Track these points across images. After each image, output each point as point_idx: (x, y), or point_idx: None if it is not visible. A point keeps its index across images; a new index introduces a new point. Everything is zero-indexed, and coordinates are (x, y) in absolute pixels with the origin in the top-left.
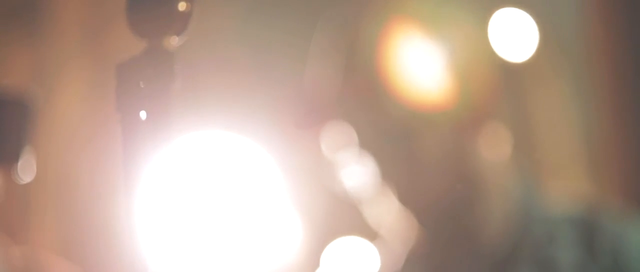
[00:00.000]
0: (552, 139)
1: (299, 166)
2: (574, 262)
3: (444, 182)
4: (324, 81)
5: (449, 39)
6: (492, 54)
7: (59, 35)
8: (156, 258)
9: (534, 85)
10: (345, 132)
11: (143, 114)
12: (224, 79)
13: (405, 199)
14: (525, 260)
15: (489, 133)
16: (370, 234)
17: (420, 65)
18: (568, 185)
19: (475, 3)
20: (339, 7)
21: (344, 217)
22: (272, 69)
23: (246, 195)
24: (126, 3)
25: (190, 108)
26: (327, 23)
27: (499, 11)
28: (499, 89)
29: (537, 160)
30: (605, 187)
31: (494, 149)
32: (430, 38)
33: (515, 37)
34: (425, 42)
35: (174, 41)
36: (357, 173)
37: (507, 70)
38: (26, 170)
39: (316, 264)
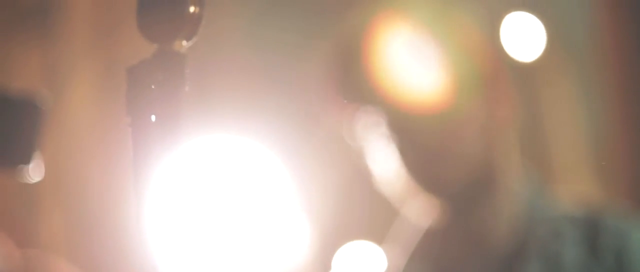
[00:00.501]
0: (560, 140)
1: (309, 168)
2: (578, 261)
3: (461, 173)
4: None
5: (451, 40)
6: (502, 54)
7: (68, 38)
8: (166, 260)
9: (542, 87)
10: (371, 115)
11: (153, 118)
12: (232, 82)
13: (425, 185)
14: (532, 257)
15: (499, 133)
16: (379, 238)
17: (423, 65)
18: (575, 186)
19: (483, 5)
20: (348, 9)
21: (353, 221)
22: (281, 71)
23: (256, 198)
24: (137, 7)
25: (199, 111)
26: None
27: (509, 14)
28: (512, 90)
29: (544, 161)
30: (612, 188)
31: (504, 148)
32: (434, 39)
33: (523, 38)
34: (430, 43)
35: (184, 45)
36: (382, 156)
37: (516, 71)
38: (36, 171)
39: (326, 267)
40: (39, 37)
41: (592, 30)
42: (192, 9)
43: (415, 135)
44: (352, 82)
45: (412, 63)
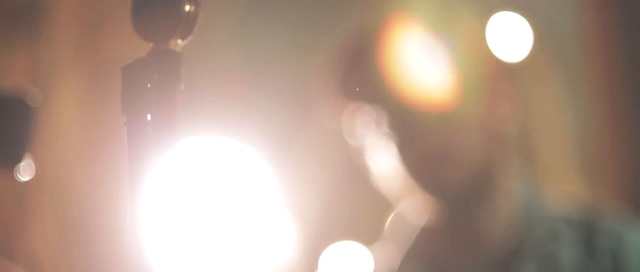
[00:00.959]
0: (547, 140)
1: (295, 169)
2: (574, 262)
3: (461, 174)
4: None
5: (456, 40)
6: (490, 54)
7: (56, 38)
8: (160, 259)
9: (528, 87)
10: (373, 114)
11: (149, 117)
12: (218, 83)
13: (425, 185)
14: (528, 257)
15: (499, 134)
16: (366, 239)
17: (428, 64)
18: (563, 186)
19: (475, 3)
20: (341, 13)
21: (339, 222)
22: (267, 72)
23: (242, 200)
24: (132, 5)
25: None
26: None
27: (496, 14)
28: (512, 90)
29: (530, 160)
30: (599, 188)
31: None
32: (439, 38)
33: (510, 38)
34: (436, 42)
35: (180, 44)
36: (381, 154)
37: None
38: (26, 170)
39: (312, 268)
40: (26, 37)
41: (578, 30)
42: (187, 7)
43: (417, 135)
44: (355, 80)
45: (417, 62)
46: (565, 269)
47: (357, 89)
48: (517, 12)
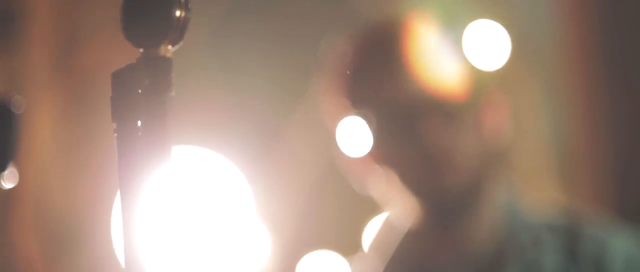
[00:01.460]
0: (525, 147)
1: (270, 178)
2: (557, 268)
3: (455, 180)
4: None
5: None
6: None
7: (37, 45)
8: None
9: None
10: (372, 118)
11: (139, 123)
12: (194, 93)
13: (418, 190)
14: (512, 263)
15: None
16: (343, 248)
17: (433, 58)
18: (544, 193)
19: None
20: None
21: (315, 231)
22: (243, 83)
23: (217, 209)
24: (121, 11)
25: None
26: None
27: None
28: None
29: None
30: (577, 194)
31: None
32: (446, 42)
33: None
34: (443, 45)
35: (170, 49)
36: (374, 156)
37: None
38: (10, 177)
39: None
40: (4, 45)
41: (556, 37)
42: (178, 13)
43: (415, 140)
44: (357, 84)
45: (423, 66)
46: None
47: (359, 93)
48: (494, 20)
